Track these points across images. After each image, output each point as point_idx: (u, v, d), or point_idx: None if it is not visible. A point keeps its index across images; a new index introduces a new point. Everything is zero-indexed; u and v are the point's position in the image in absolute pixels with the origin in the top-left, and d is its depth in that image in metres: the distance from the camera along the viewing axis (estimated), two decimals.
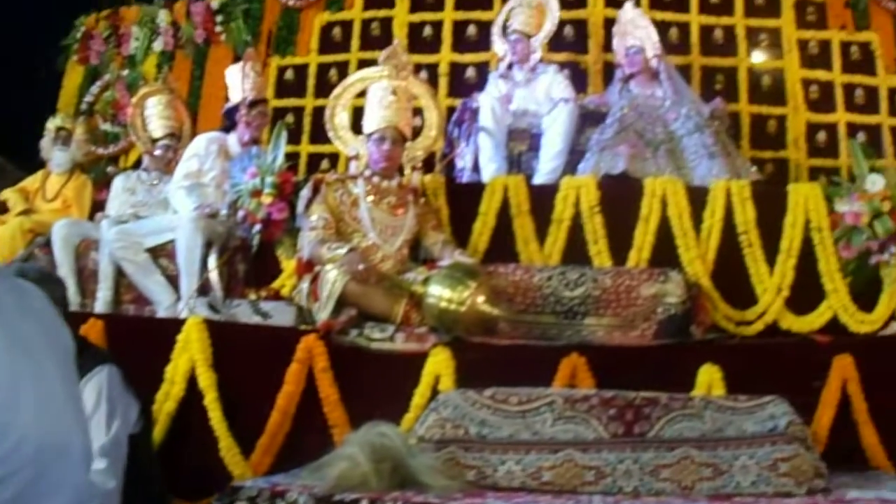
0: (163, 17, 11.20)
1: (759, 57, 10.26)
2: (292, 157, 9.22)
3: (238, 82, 8.17)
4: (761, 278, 6.59)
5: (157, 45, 11.15)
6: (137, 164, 8.50)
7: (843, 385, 5.15)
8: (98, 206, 8.60)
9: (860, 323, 6.47)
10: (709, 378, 5.08)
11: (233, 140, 7.79)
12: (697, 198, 6.76)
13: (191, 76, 10.98)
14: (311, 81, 10.53)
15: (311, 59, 10.64)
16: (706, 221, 6.67)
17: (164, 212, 7.67)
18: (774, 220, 6.70)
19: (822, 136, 9.96)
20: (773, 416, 4.32)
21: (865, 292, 6.55)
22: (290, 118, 10.21)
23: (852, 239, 6.48)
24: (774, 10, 10.34)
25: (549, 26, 8.56)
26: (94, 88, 11.22)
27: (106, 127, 11.07)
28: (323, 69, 10.54)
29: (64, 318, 2.09)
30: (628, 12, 8.59)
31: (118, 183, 8.08)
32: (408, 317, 5.70)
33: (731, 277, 6.61)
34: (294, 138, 9.94)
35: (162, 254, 7.16)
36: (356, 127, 6.65)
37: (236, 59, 10.03)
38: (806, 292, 6.59)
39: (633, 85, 8.32)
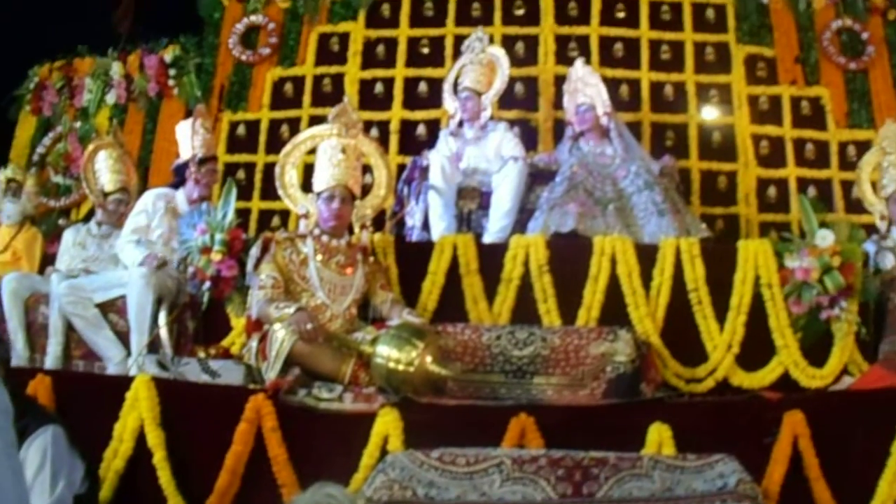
0: (116, 69, 11.25)
1: (709, 113, 10.37)
2: (243, 214, 9.29)
3: (188, 138, 8.17)
4: (711, 335, 6.61)
5: (110, 98, 11.19)
6: (88, 218, 8.45)
7: (795, 441, 5.14)
8: (49, 260, 8.60)
9: (811, 378, 6.49)
10: (658, 437, 5.06)
11: (181, 197, 7.78)
12: (647, 256, 6.77)
13: (143, 130, 11.03)
14: (262, 137, 10.60)
15: (263, 114, 10.70)
16: (656, 279, 6.69)
17: (114, 267, 7.63)
18: (724, 277, 6.72)
19: (772, 191, 10.06)
20: (722, 475, 4.33)
21: (816, 347, 6.57)
22: (241, 174, 10.29)
23: (802, 294, 6.52)
24: (725, 66, 10.49)
25: (500, 84, 8.62)
26: (47, 140, 11.25)
27: (58, 179, 11.10)
28: (274, 125, 10.60)
29: (5, 377, 2.07)
30: (578, 70, 8.65)
31: (68, 237, 8.04)
32: (356, 377, 5.67)
33: (681, 335, 6.62)
34: (245, 194, 9.99)
35: (112, 309, 7.13)
36: (307, 184, 6.65)
37: (188, 113, 10.11)
38: (756, 348, 6.60)
39: (583, 142, 8.37)
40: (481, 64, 8.60)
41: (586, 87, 8.50)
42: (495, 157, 8.12)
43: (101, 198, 8.03)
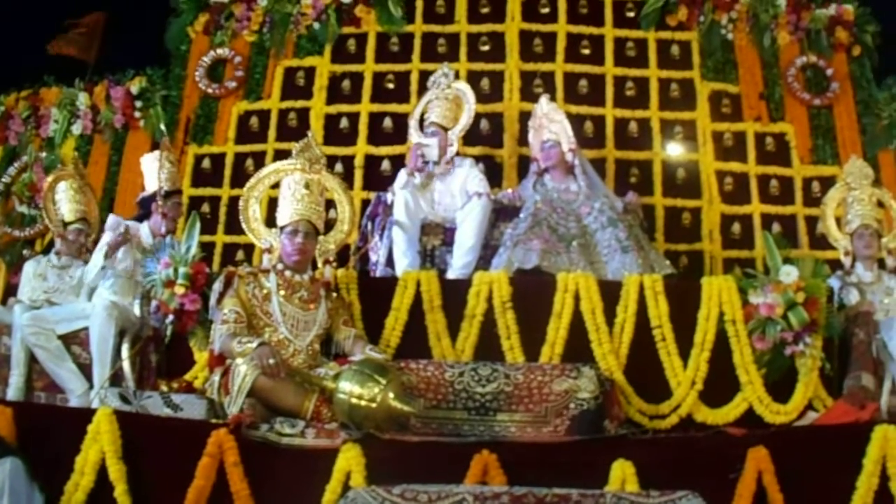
0: (82, 99, 11.22)
1: (673, 149, 10.43)
2: (207, 247, 9.28)
3: (154, 171, 8.18)
4: (675, 372, 6.62)
5: (76, 129, 11.16)
6: (48, 249, 8.41)
7: (759, 477, 5.17)
8: (12, 290, 8.55)
9: (776, 414, 6.51)
10: (622, 473, 5.08)
11: (145, 230, 7.80)
12: (610, 292, 6.78)
13: (108, 161, 11.00)
14: (227, 171, 10.59)
15: (228, 148, 10.71)
16: (619, 316, 6.70)
17: (76, 298, 7.67)
18: (688, 314, 6.74)
19: (736, 227, 10.12)
20: None
21: (780, 383, 6.60)
22: (205, 207, 10.27)
23: (766, 330, 6.54)
24: (689, 102, 10.57)
25: (466, 119, 8.65)
26: (12, 169, 11.19)
27: (22, 209, 11.04)
28: (239, 159, 10.60)
29: None
30: (543, 106, 8.69)
31: (28, 268, 8.07)
32: (318, 412, 5.66)
33: (645, 371, 6.63)
34: (209, 228, 9.99)
35: (74, 341, 7.16)
36: (271, 219, 6.65)
37: (154, 145, 10.14)
38: (720, 385, 6.62)
39: (547, 179, 8.41)
40: (447, 99, 8.65)
41: (551, 123, 8.55)
42: (461, 192, 8.13)
43: (61, 228, 8.07)
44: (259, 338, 5.87)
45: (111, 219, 7.80)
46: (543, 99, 8.81)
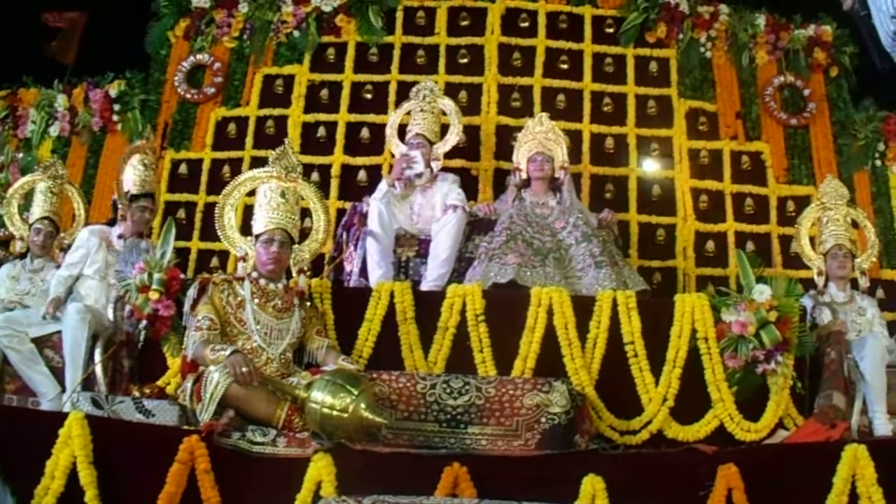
0: (61, 101, 11.18)
1: (649, 166, 10.46)
2: (182, 253, 9.28)
3: (129, 172, 8.15)
4: (647, 388, 6.63)
5: (54, 130, 11.12)
6: (26, 253, 8.38)
7: (729, 494, 5.19)
8: None
9: (746, 432, 6.53)
10: (592, 489, 5.09)
11: (117, 232, 7.79)
12: (584, 307, 6.79)
13: (85, 164, 10.96)
14: (203, 177, 10.57)
15: (206, 154, 10.69)
16: (592, 331, 6.71)
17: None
18: (661, 330, 6.76)
19: (710, 245, 10.16)
20: None
21: (752, 401, 6.62)
22: (181, 213, 10.23)
23: (739, 348, 6.55)
24: (666, 119, 10.61)
25: (454, 138, 8.75)
26: None
27: None
28: (216, 165, 10.59)
29: None
30: (544, 123, 8.77)
31: (3, 271, 8.06)
32: (290, 421, 5.65)
33: (617, 387, 6.64)
34: (185, 234, 9.97)
35: (47, 345, 7.16)
36: (247, 226, 6.64)
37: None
38: (692, 401, 6.64)
39: (526, 193, 8.44)
40: (433, 112, 8.71)
41: (548, 141, 8.64)
42: (441, 206, 8.16)
43: (25, 230, 8.12)
44: (232, 345, 5.85)
45: (83, 233, 7.79)
46: (543, 116, 8.90)
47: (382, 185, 8.36)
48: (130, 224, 7.78)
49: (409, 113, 8.95)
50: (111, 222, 8.11)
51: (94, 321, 7.01)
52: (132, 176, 7.93)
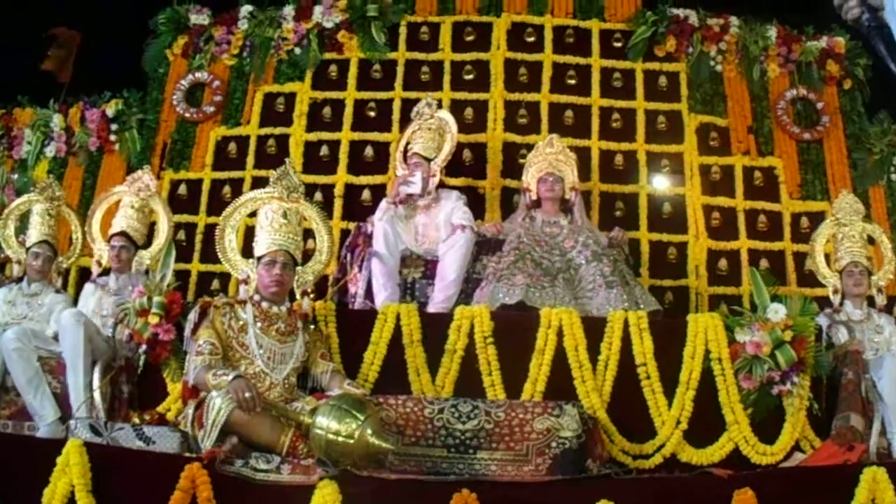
0: (57, 121, 11.23)
1: (660, 183, 10.46)
2: (182, 276, 9.31)
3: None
4: (659, 410, 6.60)
5: (50, 151, 11.16)
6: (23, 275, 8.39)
7: None
8: None
9: (762, 455, 6.49)
10: None
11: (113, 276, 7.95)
12: (594, 328, 6.77)
13: (82, 185, 10.99)
14: (203, 197, 10.59)
15: (205, 174, 10.71)
16: (603, 353, 6.69)
17: (46, 326, 7.63)
18: (673, 351, 6.74)
19: (723, 263, 10.15)
20: None
21: (767, 423, 6.58)
22: (181, 235, 10.22)
23: (753, 369, 6.52)
24: (677, 135, 10.61)
25: (448, 148, 8.73)
26: None
27: None
28: (217, 185, 10.61)
29: None
30: (554, 144, 8.81)
31: (0, 294, 8.01)
32: (294, 448, 5.63)
33: (629, 410, 6.62)
34: (185, 256, 10.00)
35: (45, 368, 7.05)
36: (248, 248, 6.65)
37: (129, 169, 10.12)
38: (706, 424, 6.60)
39: (536, 212, 8.47)
40: (430, 129, 8.75)
41: (558, 162, 8.68)
42: (445, 225, 8.19)
43: (21, 254, 8.14)
44: (235, 370, 5.84)
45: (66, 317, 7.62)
46: (554, 137, 8.94)
47: (383, 205, 8.39)
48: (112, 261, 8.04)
49: (412, 133, 8.99)
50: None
51: (92, 330, 6.97)
52: (119, 214, 8.22)
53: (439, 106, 9.25)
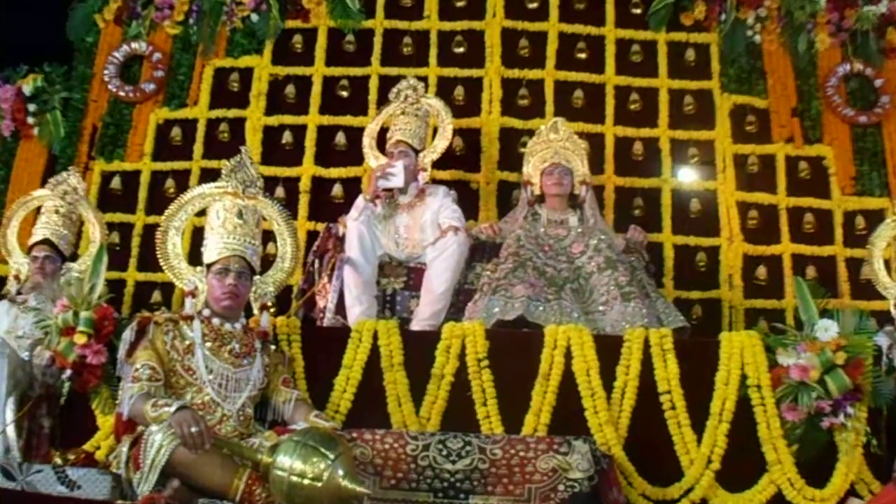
0: None
1: (686, 176, 10.47)
2: (116, 286, 9.29)
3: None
4: (687, 447, 6.61)
5: None
6: None
7: None
8: None
9: (810, 500, 6.51)
10: None
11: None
12: (609, 349, 6.79)
13: None
14: (142, 193, 10.59)
15: (144, 164, 10.69)
16: (619, 378, 6.70)
17: None
18: (703, 377, 6.76)
19: (762, 271, 10.16)
20: None
21: (816, 462, 6.57)
22: (115, 237, 10.18)
23: (799, 398, 6.51)
24: (706, 119, 10.65)
25: (442, 143, 8.78)
26: None
27: None
28: (158, 178, 10.62)
29: None
30: (560, 130, 8.82)
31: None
32: (250, 492, 5.61)
33: (650, 446, 6.63)
34: (119, 262, 10.01)
35: None
36: (196, 253, 6.64)
37: (52, 158, 10.11)
38: (742, 463, 6.62)
39: (541, 208, 8.48)
40: (416, 115, 8.78)
41: (566, 151, 8.70)
42: (431, 227, 8.20)
43: None
44: (179, 400, 5.82)
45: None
46: (559, 121, 8.96)
47: (359, 202, 8.40)
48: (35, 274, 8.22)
49: (391, 117, 8.98)
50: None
51: (15, 363, 6.94)
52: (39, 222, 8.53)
53: (426, 88, 9.25)
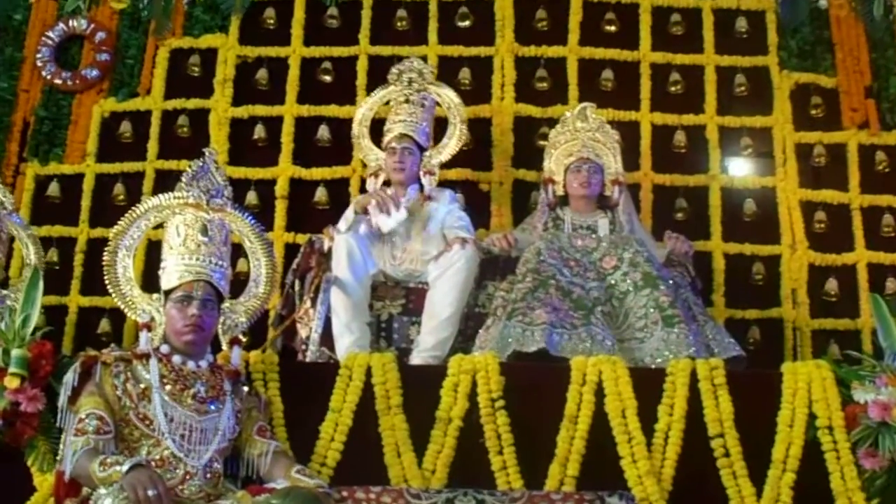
0: None
1: (739, 171, 10.48)
2: (55, 314, 9.29)
3: None
4: (744, 500, 6.58)
5: None
6: None
7: None
8: None
9: None
10: None
11: None
12: (649, 384, 6.78)
13: None
14: (85, 201, 10.57)
15: (88, 167, 10.68)
16: (662, 420, 6.69)
17: None
18: (762, 417, 6.75)
19: (832, 285, 10.17)
20: None
21: None
22: (52, 255, 10.13)
23: (880, 442, 6.49)
24: (762, 103, 10.67)
25: (454, 143, 8.78)
26: None
27: None
28: (104, 183, 10.61)
29: None
30: (589, 118, 8.89)
31: None
32: None
33: (701, 500, 6.64)
34: (58, 285, 9.94)
35: None
36: (152, 276, 6.63)
37: None
38: None
39: (566, 211, 8.50)
40: (423, 106, 8.77)
41: (595, 143, 8.73)
42: (435, 238, 8.19)
43: None
44: (133, 457, 5.79)
45: None
46: (588, 108, 9.03)
47: (349, 213, 8.38)
48: None
49: (388, 104, 8.98)
50: None
51: None
52: None
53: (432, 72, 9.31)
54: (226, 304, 6.51)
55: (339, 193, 9.87)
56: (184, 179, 6.55)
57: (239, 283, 6.76)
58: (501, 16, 10.71)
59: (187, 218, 6.40)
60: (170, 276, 6.30)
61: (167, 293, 6.31)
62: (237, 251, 6.81)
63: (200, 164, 6.60)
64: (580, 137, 8.75)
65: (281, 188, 10.31)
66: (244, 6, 10.71)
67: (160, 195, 6.69)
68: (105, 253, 6.56)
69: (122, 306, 6.55)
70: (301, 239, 9.31)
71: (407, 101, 8.79)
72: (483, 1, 10.84)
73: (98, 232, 10.14)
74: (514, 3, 10.76)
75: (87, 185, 10.59)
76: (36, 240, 8.69)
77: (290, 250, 9.47)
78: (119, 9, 11.10)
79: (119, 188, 10.45)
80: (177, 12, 10.98)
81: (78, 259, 10.33)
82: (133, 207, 6.69)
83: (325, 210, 9.85)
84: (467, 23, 10.77)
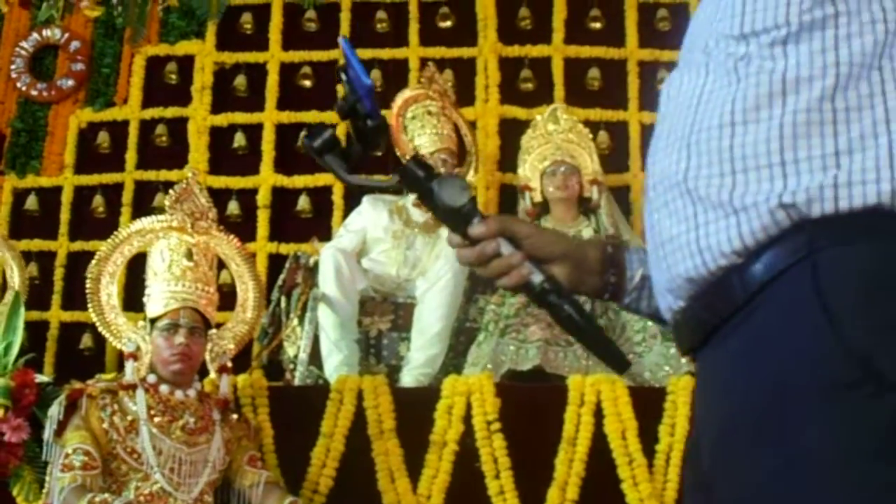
0: None
1: None
2: (37, 331, 9.20)
3: None
4: None
5: None
6: None
7: None
8: None
9: None
10: None
11: None
12: (649, 403, 6.77)
13: None
14: (64, 214, 10.44)
15: (66, 179, 10.57)
16: (663, 440, 6.68)
17: None
18: None
19: None
20: None
21: None
22: (32, 270, 10.05)
23: None
24: None
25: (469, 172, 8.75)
26: None
27: None
28: (83, 195, 10.48)
29: None
30: (560, 119, 8.83)
31: None
32: None
33: None
34: (40, 301, 9.85)
35: None
36: (136, 302, 6.58)
37: None
38: None
39: (546, 222, 8.44)
40: (438, 114, 8.73)
41: (569, 143, 8.67)
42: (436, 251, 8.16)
43: None
44: (121, 496, 5.77)
45: None
46: (559, 108, 8.98)
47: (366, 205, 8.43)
48: None
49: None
50: None
51: None
52: None
53: (407, 72, 9.29)
54: (213, 332, 6.46)
55: (323, 202, 9.81)
56: (167, 203, 6.50)
57: (222, 296, 6.70)
58: (484, 15, 10.61)
59: (171, 242, 6.39)
60: (155, 303, 6.28)
61: (153, 321, 6.27)
62: (220, 264, 6.75)
63: (183, 186, 6.56)
64: (553, 140, 8.70)
65: (262, 197, 10.20)
66: (220, 11, 10.78)
67: (143, 219, 6.65)
68: (88, 280, 6.56)
69: (107, 335, 6.56)
70: (285, 249, 9.26)
71: (429, 112, 8.71)
72: (465, 0, 10.74)
73: (78, 245, 10.07)
74: (496, 2, 10.66)
75: (66, 198, 10.48)
76: (21, 262, 8.61)
77: (274, 261, 9.40)
78: (93, 17, 11.04)
79: (98, 200, 10.34)
80: (152, 19, 10.95)
81: (58, 273, 10.23)
82: (115, 232, 6.67)
83: (309, 219, 9.79)
84: (448, 23, 10.68)
